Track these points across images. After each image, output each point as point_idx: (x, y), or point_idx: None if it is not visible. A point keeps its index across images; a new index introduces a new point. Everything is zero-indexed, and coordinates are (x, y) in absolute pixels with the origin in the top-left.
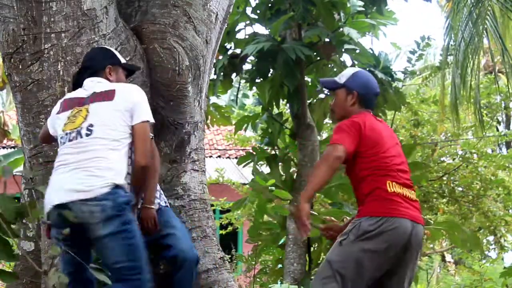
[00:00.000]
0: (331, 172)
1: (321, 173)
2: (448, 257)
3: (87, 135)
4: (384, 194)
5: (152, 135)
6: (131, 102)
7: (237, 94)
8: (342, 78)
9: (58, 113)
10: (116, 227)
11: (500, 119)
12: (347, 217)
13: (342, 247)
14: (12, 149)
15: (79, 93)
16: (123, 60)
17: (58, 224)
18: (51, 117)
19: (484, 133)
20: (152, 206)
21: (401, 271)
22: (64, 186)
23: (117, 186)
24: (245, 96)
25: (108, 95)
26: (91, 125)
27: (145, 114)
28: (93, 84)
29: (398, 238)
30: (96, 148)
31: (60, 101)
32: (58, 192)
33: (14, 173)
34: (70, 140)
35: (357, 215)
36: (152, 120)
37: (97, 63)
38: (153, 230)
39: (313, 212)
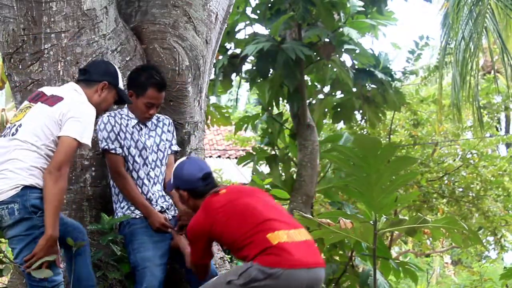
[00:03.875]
0: None
1: None
2: (446, 258)
3: (13, 134)
4: (272, 250)
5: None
6: (65, 116)
7: (237, 94)
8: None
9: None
10: (22, 230)
11: (498, 119)
12: (343, 219)
13: (230, 286)
14: None
15: (49, 90)
16: (122, 86)
17: None
18: None
19: (483, 134)
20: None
21: None
22: None
23: (27, 187)
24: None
25: (52, 100)
26: (20, 125)
27: (74, 131)
28: (66, 87)
29: None
30: (12, 150)
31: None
32: None
33: None
34: (4, 136)
35: (248, 258)
36: (82, 141)
37: (97, 72)
38: None
39: (308, 216)
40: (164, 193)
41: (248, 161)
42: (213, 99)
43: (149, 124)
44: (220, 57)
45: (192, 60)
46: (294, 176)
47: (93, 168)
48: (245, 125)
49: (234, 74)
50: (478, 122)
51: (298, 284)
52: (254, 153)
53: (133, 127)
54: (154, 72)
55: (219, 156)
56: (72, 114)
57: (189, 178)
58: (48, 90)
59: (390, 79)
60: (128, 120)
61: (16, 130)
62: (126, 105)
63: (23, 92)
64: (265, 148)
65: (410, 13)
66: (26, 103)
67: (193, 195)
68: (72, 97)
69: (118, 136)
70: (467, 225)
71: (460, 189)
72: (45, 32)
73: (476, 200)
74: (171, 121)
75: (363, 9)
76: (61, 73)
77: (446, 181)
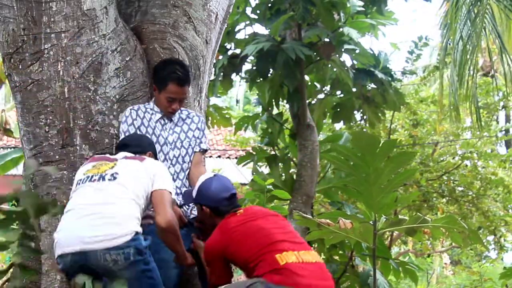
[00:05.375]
0: None
1: None
2: (445, 259)
3: (110, 180)
4: (279, 270)
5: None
6: (154, 171)
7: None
8: (194, 191)
9: (83, 165)
10: (139, 270)
11: (496, 118)
12: (343, 219)
13: None
14: (13, 149)
15: (108, 156)
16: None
17: (72, 270)
18: (77, 174)
19: (482, 132)
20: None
21: None
22: (83, 233)
23: (137, 233)
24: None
25: (139, 158)
26: (116, 173)
27: (166, 184)
28: (123, 154)
29: None
30: (115, 194)
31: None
32: (76, 238)
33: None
34: (90, 181)
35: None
36: (172, 195)
37: (143, 146)
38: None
39: (308, 216)
40: (182, 190)
41: (248, 161)
42: (213, 100)
43: (175, 119)
44: (220, 57)
45: (192, 60)
46: (294, 176)
47: None
48: (245, 125)
49: (234, 74)
50: (477, 122)
51: None
52: (254, 153)
53: (156, 121)
54: (178, 66)
55: (219, 156)
56: (160, 170)
57: (215, 196)
58: (110, 156)
59: (390, 79)
60: (152, 114)
61: (113, 177)
62: (152, 98)
63: (23, 92)
64: (265, 148)
65: (409, 13)
66: (94, 162)
67: (216, 213)
68: (149, 158)
69: (138, 130)
70: (467, 224)
71: (460, 188)
72: (45, 32)
73: (476, 200)
74: (202, 118)
75: (363, 9)
76: (61, 73)
77: (446, 181)
